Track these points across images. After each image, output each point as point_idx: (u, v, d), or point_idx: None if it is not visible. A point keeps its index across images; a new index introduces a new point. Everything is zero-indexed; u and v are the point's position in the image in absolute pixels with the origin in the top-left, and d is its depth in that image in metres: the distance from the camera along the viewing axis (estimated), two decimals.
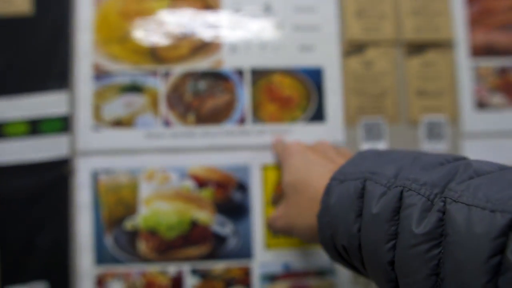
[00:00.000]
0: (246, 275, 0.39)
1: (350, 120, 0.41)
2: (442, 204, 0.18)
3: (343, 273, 0.40)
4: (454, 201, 0.18)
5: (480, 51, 0.43)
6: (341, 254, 0.26)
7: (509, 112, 0.43)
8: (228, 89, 0.41)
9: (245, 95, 0.41)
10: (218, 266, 0.39)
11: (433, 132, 0.42)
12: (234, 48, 0.41)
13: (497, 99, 0.43)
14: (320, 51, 0.42)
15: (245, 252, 0.40)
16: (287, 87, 0.41)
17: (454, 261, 0.17)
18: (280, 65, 0.41)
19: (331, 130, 0.41)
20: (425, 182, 0.20)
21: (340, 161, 0.30)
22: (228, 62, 0.41)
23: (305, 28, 0.42)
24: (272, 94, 0.41)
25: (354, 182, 0.24)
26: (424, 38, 0.42)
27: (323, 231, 0.26)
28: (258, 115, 0.41)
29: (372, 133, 0.41)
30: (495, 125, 0.42)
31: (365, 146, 0.41)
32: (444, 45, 0.43)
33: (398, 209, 0.20)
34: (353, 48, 0.42)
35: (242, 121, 0.41)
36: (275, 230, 0.35)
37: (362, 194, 0.23)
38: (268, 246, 0.40)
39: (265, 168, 0.40)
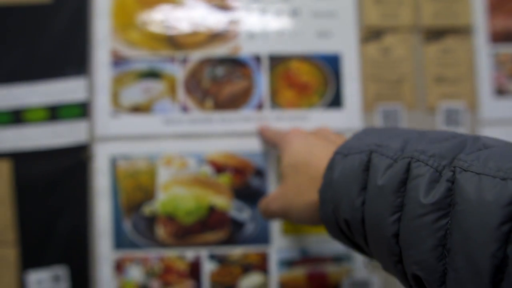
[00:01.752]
0: (263, 260, 0.40)
1: (367, 106, 0.41)
2: (451, 174, 0.18)
3: (360, 259, 0.40)
4: (464, 170, 0.18)
5: (499, 37, 0.43)
6: (342, 230, 0.25)
7: None
8: (246, 75, 0.41)
9: (262, 81, 0.41)
10: (236, 252, 0.40)
11: (451, 119, 0.42)
12: (251, 34, 0.41)
13: None
14: (337, 37, 0.42)
15: (262, 237, 0.40)
16: (305, 73, 0.41)
17: (462, 230, 0.17)
18: (297, 51, 0.41)
19: (349, 116, 0.41)
20: (433, 154, 0.19)
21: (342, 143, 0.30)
22: (245, 49, 0.41)
23: (323, 14, 0.42)
24: (290, 80, 0.41)
25: (359, 155, 0.23)
26: (443, 24, 0.42)
27: (325, 206, 0.25)
28: (275, 101, 0.41)
29: (390, 119, 0.41)
30: None
31: None
32: (463, 31, 0.43)
33: (405, 180, 0.20)
34: (371, 35, 0.42)
35: (259, 107, 0.41)
36: (269, 214, 0.32)
37: (367, 167, 0.22)
38: (285, 231, 0.40)
39: None
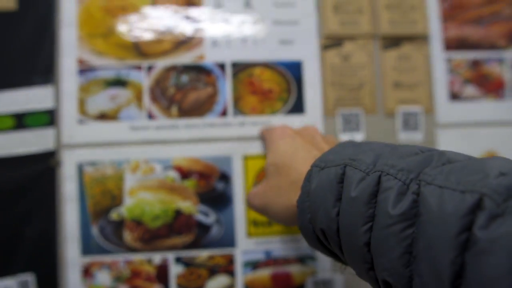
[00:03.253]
0: (229, 262, 0.41)
1: (328, 111, 0.43)
2: (416, 186, 0.20)
3: (324, 260, 0.41)
4: (428, 183, 0.19)
5: (453, 44, 0.45)
6: (319, 239, 0.26)
7: (480, 103, 0.44)
8: (210, 83, 0.42)
9: (226, 88, 0.42)
10: (202, 255, 0.40)
11: (409, 122, 0.43)
12: (215, 42, 0.42)
13: (469, 90, 0.45)
14: (299, 45, 0.43)
15: (228, 240, 0.41)
16: (268, 80, 0.42)
17: (426, 239, 0.18)
18: (260, 59, 0.42)
19: (311, 121, 0.42)
20: (402, 168, 0.21)
21: (326, 148, 0.31)
22: (210, 56, 0.42)
23: (285, 23, 0.43)
24: (253, 87, 0.42)
25: (335, 168, 0.24)
26: (400, 32, 0.44)
27: (303, 216, 0.26)
28: (239, 108, 0.42)
29: (350, 124, 0.43)
30: (468, 115, 0.44)
31: (344, 137, 0.43)
32: (419, 38, 0.45)
33: (376, 192, 0.21)
34: (331, 42, 0.43)
35: (224, 113, 0.42)
36: (252, 208, 0.35)
37: (342, 179, 0.24)
38: (250, 234, 0.41)
39: (246, 158, 0.42)
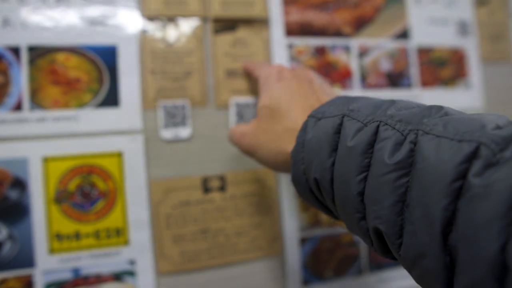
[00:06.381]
0: (27, 285, 0.34)
1: (148, 104, 0.37)
2: (414, 136, 0.20)
3: (145, 276, 0.36)
4: (426, 133, 0.19)
5: (296, 29, 0.41)
6: (312, 191, 0.26)
7: None
8: (1, 70, 0.35)
9: (22, 77, 0.35)
10: None
11: (244, 115, 0.39)
12: (7, 21, 0.35)
13: None
14: (114, 27, 0.37)
15: (24, 259, 0.34)
16: (74, 68, 0.36)
17: (420, 186, 0.18)
18: (65, 43, 0.36)
19: (127, 115, 0.37)
20: (400, 119, 0.21)
21: (322, 96, 0.30)
22: (0, 38, 0.35)
23: (96, 0, 0.37)
24: (56, 76, 0.36)
25: (332, 119, 0.24)
26: (235, 14, 0.39)
27: (296, 167, 0.26)
28: (37, 101, 0.35)
29: (175, 118, 0.38)
30: None
31: (167, 133, 0.37)
32: (257, 22, 0.40)
33: (373, 142, 0.21)
34: (153, 24, 0.38)
35: (18, 107, 0.35)
36: (239, 147, 0.33)
37: (339, 129, 0.24)
38: (53, 250, 0.35)
39: (47, 160, 0.35)
